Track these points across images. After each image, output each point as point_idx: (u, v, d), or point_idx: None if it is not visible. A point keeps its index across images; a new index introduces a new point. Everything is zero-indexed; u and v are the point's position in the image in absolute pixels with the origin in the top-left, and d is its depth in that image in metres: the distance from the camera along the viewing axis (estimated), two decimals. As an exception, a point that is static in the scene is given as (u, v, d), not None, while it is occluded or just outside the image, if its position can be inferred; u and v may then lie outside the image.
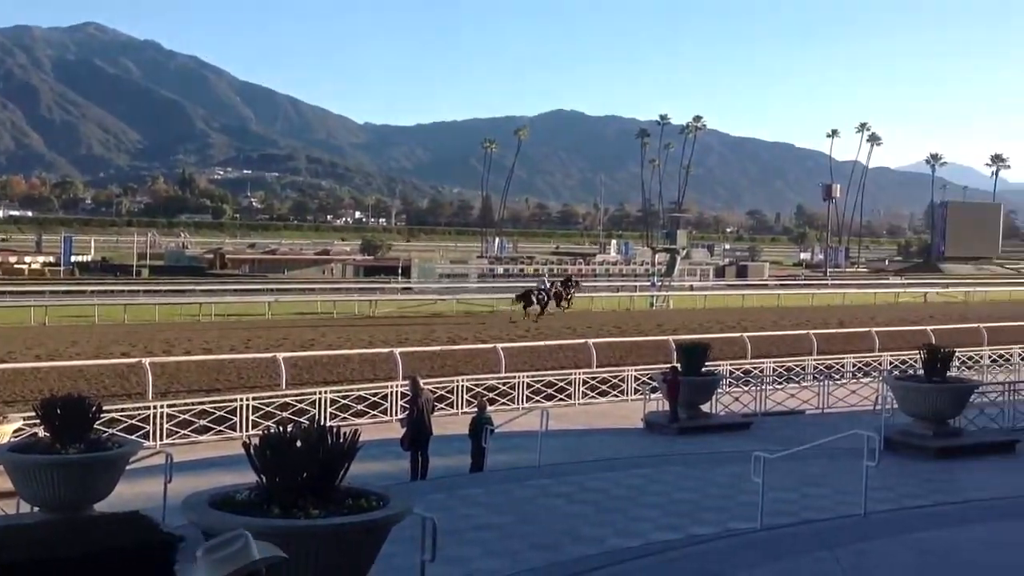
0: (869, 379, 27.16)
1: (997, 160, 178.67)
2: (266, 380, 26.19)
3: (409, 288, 66.91)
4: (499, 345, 28.07)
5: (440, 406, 21.04)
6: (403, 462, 16.39)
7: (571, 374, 25.50)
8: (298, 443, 6.41)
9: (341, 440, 6.52)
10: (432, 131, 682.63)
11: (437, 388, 21.89)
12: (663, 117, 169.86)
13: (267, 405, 20.78)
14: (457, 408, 22.46)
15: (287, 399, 21.27)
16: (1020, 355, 34.26)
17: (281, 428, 6.81)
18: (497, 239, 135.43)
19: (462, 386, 23.11)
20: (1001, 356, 34.06)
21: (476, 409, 17.79)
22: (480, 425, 16.49)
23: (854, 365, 30.51)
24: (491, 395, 22.61)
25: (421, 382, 17.74)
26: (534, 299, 45.77)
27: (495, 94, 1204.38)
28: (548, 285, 48.54)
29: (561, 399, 24.61)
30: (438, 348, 31.30)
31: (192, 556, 3.90)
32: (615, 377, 25.77)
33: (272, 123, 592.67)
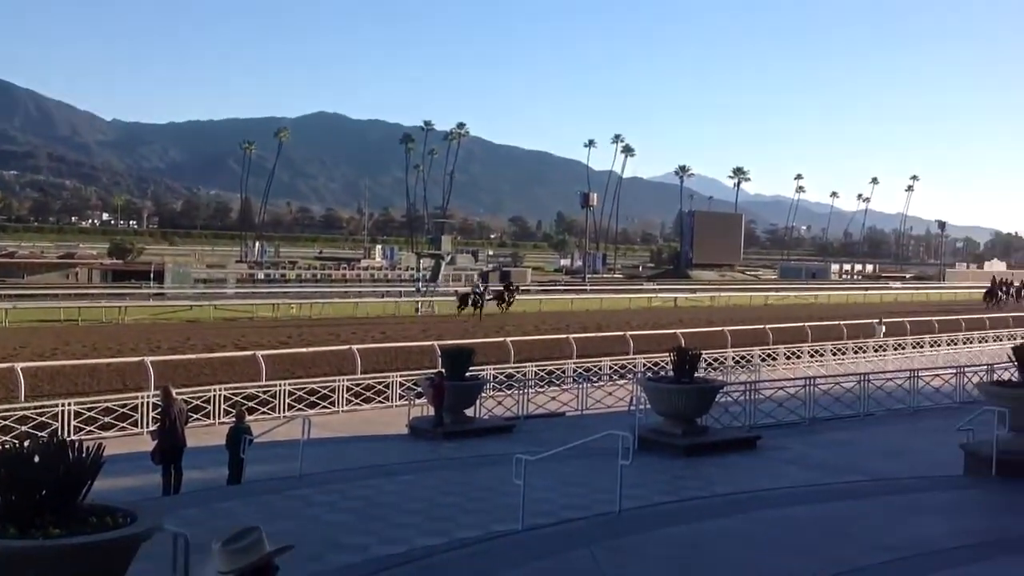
0: (624, 381, 28.24)
1: (739, 173, 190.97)
2: (2, 393, 24.29)
3: (162, 294, 63.90)
4: (259, 352, 27.23)
5: (195, 417, 20.19)
6: (155, 476, 15.57)
7: (334, 381, 25.04)
8: (36, 458, 5.94)
9: (84, 454, 6.09)
10: (187, 130, 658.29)
11: (192, 398, 20.97)
12: (427, 123, 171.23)
13: (3, 419, 19.26)
14: (214, 418, 21.57)
15: (26, 412, 19.77)
16: (760, 356, 36.59)
17: (18, 443, 6.30)
18: (257, 243, 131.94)
19: (219, 395, 22.22)
20: (743, 357, 36.23)
21: (234, 419, 17.16)
22: (238, 435, 15.91)
23: (611, 368, 31.62)
24: (250, 404, 21.86)
25: (174, 392, 16.92)
26: (470, 301, 51.73)
27: (255, 94, 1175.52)
28: (483, 289, 55.40)
29: (324, 407, 24.15)
30: (193, 356, 30.00)
31: (209, 549, 4.24)
32: (380, 383, 25.53)
33: (10, 118, 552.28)
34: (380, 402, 25.19)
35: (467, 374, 21.93)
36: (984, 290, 73.51)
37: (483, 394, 23.01)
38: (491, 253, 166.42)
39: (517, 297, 57.26)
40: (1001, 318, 54.05)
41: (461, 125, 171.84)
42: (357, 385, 25.21)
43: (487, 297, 53.80)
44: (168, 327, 44.06)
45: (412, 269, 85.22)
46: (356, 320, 49.70)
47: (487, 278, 78.48)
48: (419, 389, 22.66)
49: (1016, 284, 78.81)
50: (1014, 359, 15.65)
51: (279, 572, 4.46)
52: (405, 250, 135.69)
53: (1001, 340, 43.90)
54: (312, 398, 24.12)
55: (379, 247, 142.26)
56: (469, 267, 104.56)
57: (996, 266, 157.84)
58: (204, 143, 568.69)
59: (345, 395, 24.61)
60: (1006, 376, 21.26)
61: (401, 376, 25.88)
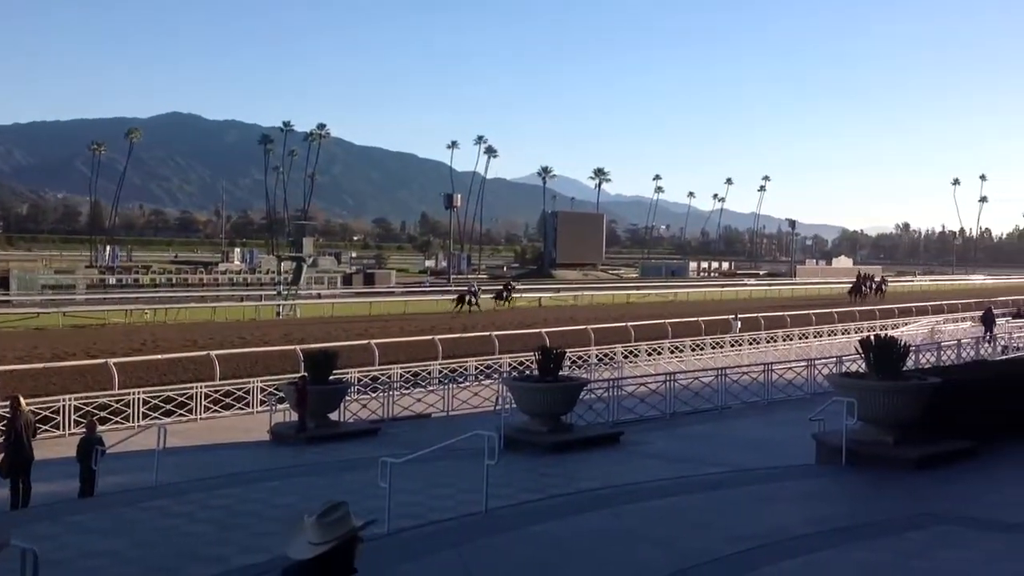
0: (490, 381, 28.33)
1: (600, 174, 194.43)
2: None
3: (7, 301, 61.05)
4: (111, 360, 26.24)
5: (43, 428, 19.32)
6: (2, 491, 14.83)
7: (192, 388, 24.33)
8: None
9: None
10: (31, 131, 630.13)
11: (40, 408, 20.07)
12: (286, 123, 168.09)
13: None
14: (64, 429, 20.71)
15: None
16: (623, 353, 37.26)
17: None
18: (108, 247, 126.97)
19: (69, 405, 21.34)
20: (606, 355, 36.82)
21: (85, 429, 16.46)
22: (89, 446, 15.29)
23: (477, 368, 31.69)
24: (103, 414, 21.08)
25: (23, 402, 16.12)
26: (466, 300, 58.60)
27: (103, 94, 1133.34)
28: (477, 288, 62.27)
29: (182, 415, 23.47)
30: (41, 365, 28.68)
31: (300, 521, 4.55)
32: (240, 389, 24.94)
33: None
34: (241, 409, 24.63)
35: (331, 378, 21.64)
36: (849, 285, 78.52)
37: (347, 397, 22.75)
38: (354, 255, 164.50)
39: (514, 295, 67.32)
40: (848, 312, 56.47)
41: (322, 126, 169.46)
42: (216, 392, 24.58)
43: (480, 296, 60.49)
44: (14, 335, 42.05)
45: (273, 272, 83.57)
46: (215, 325, 48.48)
47: (350, 279, 77.33)
48: (281, 394, 22.25)
49: (877, 279, 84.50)
50: (860, 351, 16.31)
51: None
52: (265, 253, 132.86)
53: (849, 333, 45.89)
54: (168, 406, 23.41)
55: (238, 250, 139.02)
56: (332, 270, 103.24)
57: (843, 262, 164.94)
58: (50, 145, 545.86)
59: (203, 402, 23.95)
60: (854, 367, 22.24)
61: (262, 381, 25.36)
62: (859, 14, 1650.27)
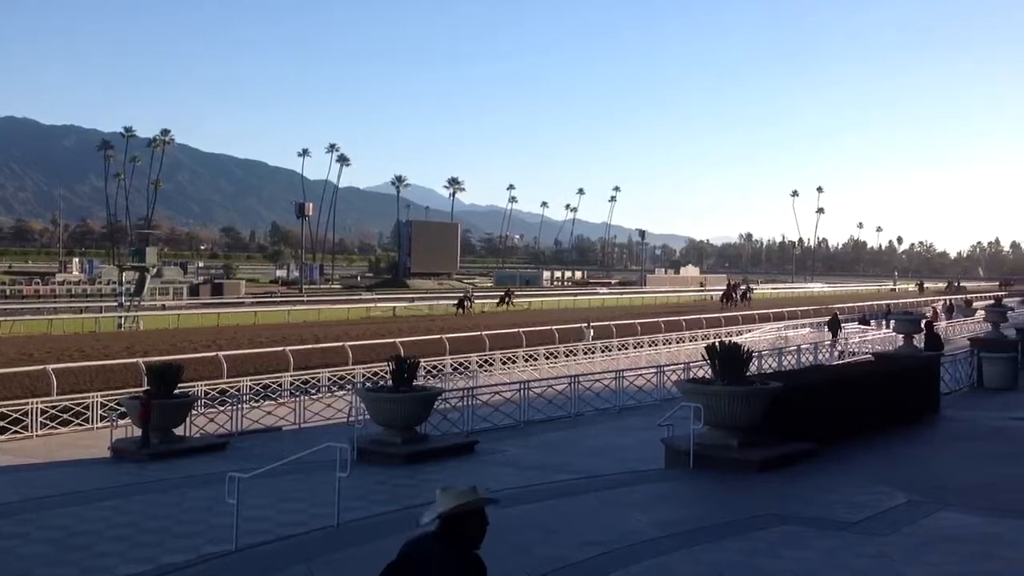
0: (343, 392, 27.95)
1: (454, 183, 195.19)
2: None
3: None
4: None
5: None
6: None
7: (27, 404, 23.14)
8: None
9: None
10: None
11: None
12: (128, 129, 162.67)
13: None
14: None
15: None
16: (478, 362, 37.35)
17: None
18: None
19: None
20: (461, 364, 36.85)
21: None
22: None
23: (329, 379, 31.23)
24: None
25: None
26: (464, 303, 69.43)
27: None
28: (471, 293, 77.40)
29: (16, 431, 22.31)
30: None
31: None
32: (79, 404, 23.87)
33: None
34: (80, 424, 23.58)
35: (176, 391, 20.94)
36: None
37: (193, 411, 22.08)
38: (201, 265, 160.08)
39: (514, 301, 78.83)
40: (695, 319, 58.13)
41: (166, 132, 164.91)
42: (53, 407, 23.43)
43: (473, 302, 71.58)
44: None
45: (114, 283, 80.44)
46: (52, 338, 46.27)
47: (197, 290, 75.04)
48: (123, 409, 21.39)
49: (743, 288, 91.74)
50: (707, 357, 16.78)
51: None
52: (107, 263, 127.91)
53: (696, 340, 47.22)
54: (2, 423, 22.21)
55: (76, 260, 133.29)
56: (178, 280, 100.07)
57: (691, 271, 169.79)
58: None
59: (40, 418, 22.81)
60: (701, 374, 22.87)
61: (103, 396, 24.35)
62: (704, 25, 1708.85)
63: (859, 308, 74.51)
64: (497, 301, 78.81)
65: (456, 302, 71.09)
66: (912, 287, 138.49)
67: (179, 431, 20.81)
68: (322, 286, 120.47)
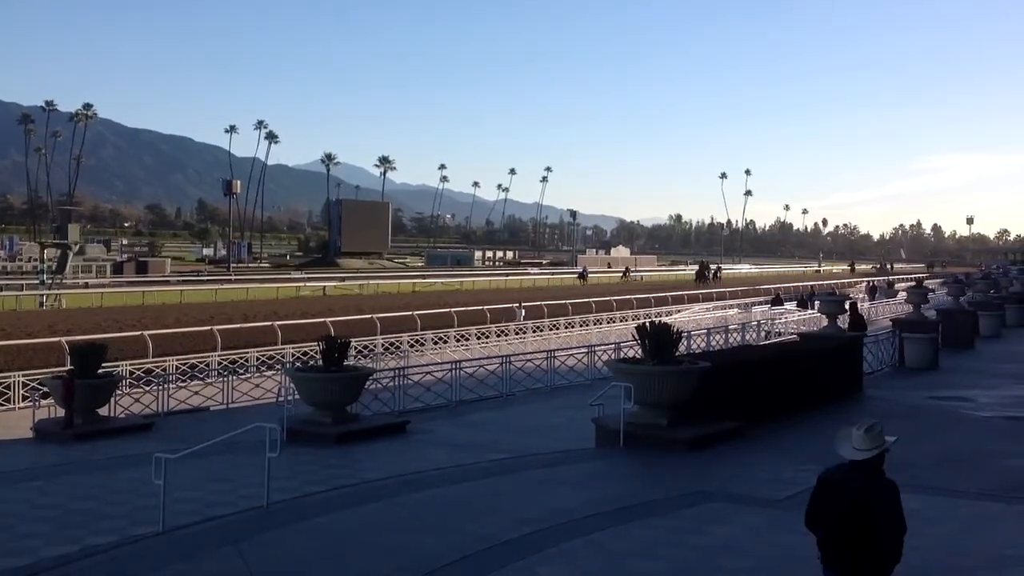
0: (273, 372, 27.69)
1: (385, 162, 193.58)
2: None
3: None
4: None
5: None
6: None
7: (-55, 384, 22.57)
8: None
9: None
10: None
11: None
12: (49, 103, 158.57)
13: None
14: None
15: None
16: (409, 342, 37.24)
17: None
18: None
19: None
20: (393, 344, 36.70)
21: None
22: None
23: (259, 359, 30.90)
24: None
25: None
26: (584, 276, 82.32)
27: None
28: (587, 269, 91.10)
29: (-67, 413, 21.73)
30: None
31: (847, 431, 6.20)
32: (0, 384, 23.33)
33: None
34: (1, 405, 23.03)
35: (100, 371, 20.55)
36: (695, 272, 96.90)
37: (118, 392, 21.70)
38: (125, 242, 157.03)
39: None
40: (625, 300, 58.62)
41: (88, 106, 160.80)
42: (-29, 388, 22.88)
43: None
44: None
45: (35, 260, 78.50)
46: (-30, 317, 45.02)
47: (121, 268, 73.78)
48: (45, 389, 20.95)
49: (714, 268, 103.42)
50: (637, 337, 16.92)
51: None
52: (28, 240, 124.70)
53: (627, 320, 47.65)
54: (-82, 404, 21.62)
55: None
56: (101, 258, 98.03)
57: (622, 252, 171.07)
58: None
59: (-42, 399, 22.26)
60: (632, 353, 23.08)
61: (24, 375, 23.83)
62: (636, 11, 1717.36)
63: (791, 289, 76.01)
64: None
65: (577, 275, 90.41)
66: (838, 269, 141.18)
67: (103, 411, 20.45)
68: (251, 265, 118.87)
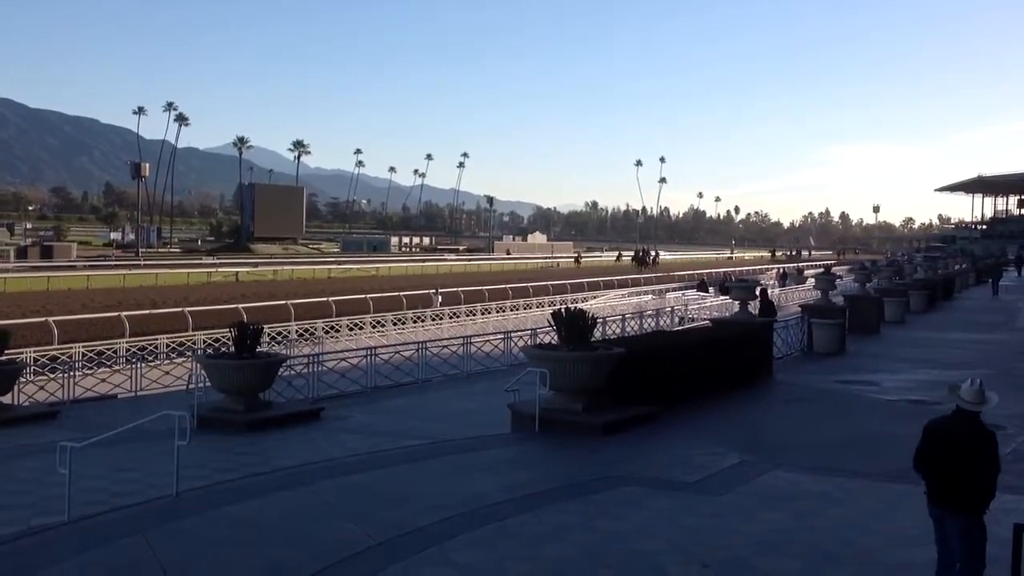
0: (183, 359, 27.18)
1: (299, 146, 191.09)
2: None
3: None
4: None
5: None
6: None
7: None
8: None
9: None
10: None
11: None
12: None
13: None
14: None
15: None
16: (324, 329, 36.90)
17: None
18: None
19: None
20: (307, 331, 36.32)
21: None
22: None
23: (168, 346, 30.31)
24: None
25: None
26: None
27: None
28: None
29: None
30: None
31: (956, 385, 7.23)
32: None
33: None
34: None
35: (2, 358, 19.94)
36: (630, 256, 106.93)
37: (22, 379, 21.08)
38: (30, 226, 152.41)
39: None
40: (542, 286, 58.86)
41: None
42: None
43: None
44: None
45: (-65, 244, 75.79)
46: None
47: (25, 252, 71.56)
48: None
49: (653, 253, 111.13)
50: (552, 324, 17.01)
51: None
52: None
53: (543, 307, 47.89)
54: None
55: None
56: (4, 242, 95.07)
57: (538, 238, 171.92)
58: None
59: None
60: (547, 339, 23.20)
61: (-79, 363, 22.93)
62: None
63: (718, 274, 77.51)
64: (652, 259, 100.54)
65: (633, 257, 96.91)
66: (750, 256, 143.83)
67: (6, 399, 19.87)
68: (160, 250, 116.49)
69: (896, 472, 12.86)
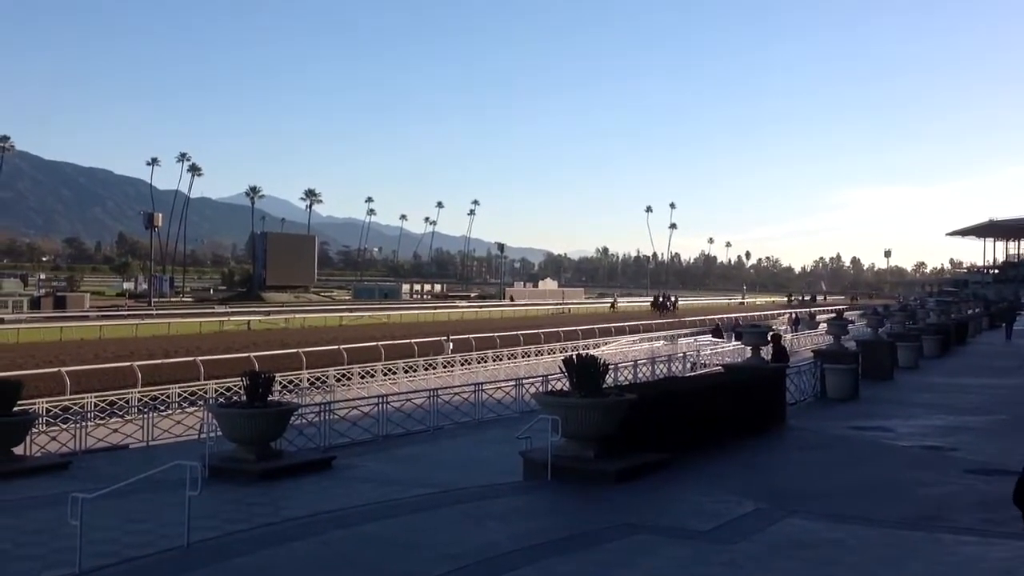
0: (195, 408, 27.19)
1: (311, 195, 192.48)
2: None
3: None
4: None
5: None
6: None
7: None
8: None
9: None
10: None
11: None
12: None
13: None
14: None
15: None
16: (335, 376, 36.89)
17: None
18: None
19: None
20: (319, 379, 36.31)
21: None
22: None
23: (180, 395, 30.33)
24: None
25: None
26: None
27: None
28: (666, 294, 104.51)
29: None
30: None
31: None
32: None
33: None
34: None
35: (14, 409, 19.96)
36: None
37: (34, 430, 21.08)
38: (43, 277, 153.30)
39: None
40: (552, 332, 58.81)
41: (5, 138, 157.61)
42: None
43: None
44: None
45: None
46: None
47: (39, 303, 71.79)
48: (-44, 429, 20.23)
49: (672, 298, 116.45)
50: (564, 370, 16.98)
51: None
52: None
53: (555, 353, 47.81)
54: None
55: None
56: (18, 292, 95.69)
57: (549, 284, 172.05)
58: None
59: None
60: (559, 386, 23.14)
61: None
62: (560, 45, 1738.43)
63: (716, 320, 77.18)
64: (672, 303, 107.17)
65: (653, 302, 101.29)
66: (762, 301, 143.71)
67: (18, 450, 19.85)
68: (173, 299, 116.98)
69: (911, 519, 12.75)
